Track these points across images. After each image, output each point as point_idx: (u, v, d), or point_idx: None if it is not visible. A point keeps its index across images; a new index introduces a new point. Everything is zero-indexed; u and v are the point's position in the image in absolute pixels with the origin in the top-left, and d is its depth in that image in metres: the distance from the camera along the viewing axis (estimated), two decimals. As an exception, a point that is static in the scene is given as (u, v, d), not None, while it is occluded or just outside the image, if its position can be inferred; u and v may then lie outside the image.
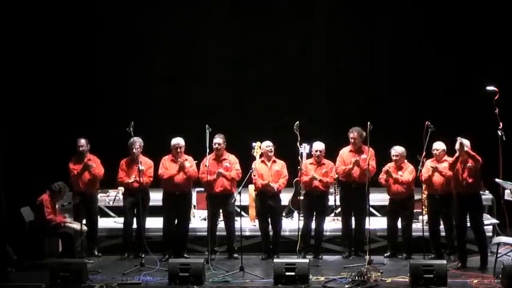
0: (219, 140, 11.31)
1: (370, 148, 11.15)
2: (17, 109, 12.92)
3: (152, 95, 13.94)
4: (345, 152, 11.51)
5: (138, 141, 11.32)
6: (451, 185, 10.84)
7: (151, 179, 11.47)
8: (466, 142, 10.48)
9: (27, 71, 13.26)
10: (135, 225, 11.55)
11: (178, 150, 11.30)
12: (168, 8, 13.77)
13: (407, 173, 11.18)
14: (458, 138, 10.45)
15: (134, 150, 11.30)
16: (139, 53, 13.80)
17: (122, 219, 11.72)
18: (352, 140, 11.40)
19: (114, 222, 12.20)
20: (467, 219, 10.77)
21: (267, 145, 11.38)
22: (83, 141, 11.56)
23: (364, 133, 11.20)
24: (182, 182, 11.30)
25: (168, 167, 11.33)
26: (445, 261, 10.17)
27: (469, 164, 10.54)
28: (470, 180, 10.56)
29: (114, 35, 13.77)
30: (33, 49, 13.31)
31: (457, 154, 10.55)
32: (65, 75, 13.57)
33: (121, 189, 11.89)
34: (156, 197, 11.73)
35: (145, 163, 11.38)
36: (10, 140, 11.80)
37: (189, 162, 11.38)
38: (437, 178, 10.96)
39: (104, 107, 13.77)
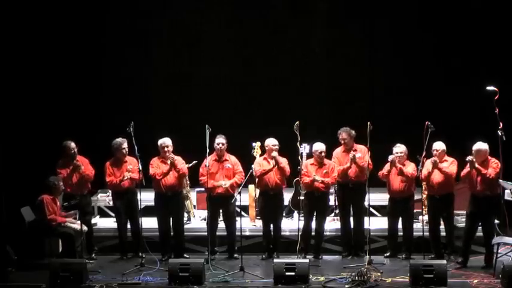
0: (222, 140, 11.27)
1: (363, 146, 11.14)
2: (17, 109, 12.90)
3: (152, 95, 13.93)
4: (339, 153, 11.50)
5: (125, 142, 11.29)
6: (450, 185, 10.95)
7: (141, 175, 11.37)
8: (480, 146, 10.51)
9: (27, 72, 13.22)
10: (128, 226, 11.52)
11: (166, 149, 11.26)
12: (169, 7, 13.75)
13: (410, 168, 11.14)
14: (468, 158, 10.53)
15: (124, 152, 11.30)
16: (139, 52, 13.80)
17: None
18: (343, 141, 11.39)
19: (113, 222, 12.16)
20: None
21: (274, 144, 11.30)
22: (73, 145, 11.43)
23: (353, 132, 11.24)
24: (174, 182, 11.26)
25: (159, 167, 11.27)
26: (445, 261, 10.18)
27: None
28: (484, 183, 10.57)
29: (114, 34, 13.77)
30: (33, 50, 13.27)
31: (468, 169, 10.63)
32: (65, 75, 13.54)
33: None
34: (150, 197, 11.65)
35: (131, 162, 11.35)
36: (10, 140, 11.83)
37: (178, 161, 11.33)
38: (437, 176, 10.95)
39: (103, 107, 13.76)
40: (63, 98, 13.46)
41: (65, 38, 13.50)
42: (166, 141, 11.28)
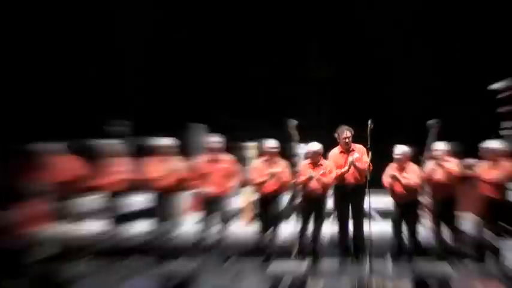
0: (218, 139, 11.13)
1: (361, 145, 10.87)
2: (17, 110, 12.95)
3: (152, 95, 13.95)
4: (336, 154, 11.19)
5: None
6: (452, 186, 10.87)
7: None
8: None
9: (28, 73, 13.30)
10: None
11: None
12: (169, 8, 13.80)
13: (414, 176, 10.91)
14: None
15: None
16: (139, 52, 13.88)
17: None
18: (347, 140, 11.09)
19: (108, 225, 12.03)
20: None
21: (271, 146, 11.09)
22: None
23: (352, 131, 10.97)
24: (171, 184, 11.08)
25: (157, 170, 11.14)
26: (448, 265, 10.10)
27: None
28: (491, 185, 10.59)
29: (113, 34, 13.80)
30: (34, 51, 13.38)
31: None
32: (66, 75, 13.66)
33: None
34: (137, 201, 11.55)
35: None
36: (10, 140, 11.75)
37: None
38: (438, 176, 10.82)
39: (102, 108, 13.70)
40: (64, 97, 13.60)
41: (66, 40, 13.58)
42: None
